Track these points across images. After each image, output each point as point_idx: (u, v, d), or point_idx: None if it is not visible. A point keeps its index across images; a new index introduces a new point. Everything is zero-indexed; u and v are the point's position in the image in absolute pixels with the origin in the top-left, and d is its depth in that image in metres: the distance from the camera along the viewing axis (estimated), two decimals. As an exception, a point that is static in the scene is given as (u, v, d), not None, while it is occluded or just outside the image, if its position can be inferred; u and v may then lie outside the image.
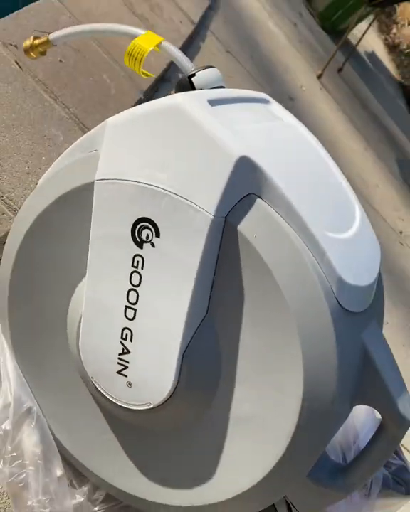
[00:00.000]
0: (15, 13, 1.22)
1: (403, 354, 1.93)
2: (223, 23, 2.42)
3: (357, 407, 0.77)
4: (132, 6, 1.67)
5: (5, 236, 0.81)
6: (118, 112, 0.62)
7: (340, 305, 0.58)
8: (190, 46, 1.96)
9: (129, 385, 0.61)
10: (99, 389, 0.64)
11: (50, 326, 0.68)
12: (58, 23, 1.32)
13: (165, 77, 1.60)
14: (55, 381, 0.70)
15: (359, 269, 0.62)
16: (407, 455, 1.05)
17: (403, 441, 0.90)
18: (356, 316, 0.61)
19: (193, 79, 0.70)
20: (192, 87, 0.70)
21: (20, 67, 1.10)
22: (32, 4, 1.30)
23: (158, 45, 0.74)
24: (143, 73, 0.77)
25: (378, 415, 0.67)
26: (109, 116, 0.63)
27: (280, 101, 0.76)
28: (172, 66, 1.61)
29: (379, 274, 0.69)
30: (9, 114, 1.00)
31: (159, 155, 0.58)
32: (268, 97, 0.74)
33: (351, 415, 0.81)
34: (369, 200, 2.64)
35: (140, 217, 0.58)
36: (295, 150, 0.68)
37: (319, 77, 3.16)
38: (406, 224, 2.92)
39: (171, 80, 1.63)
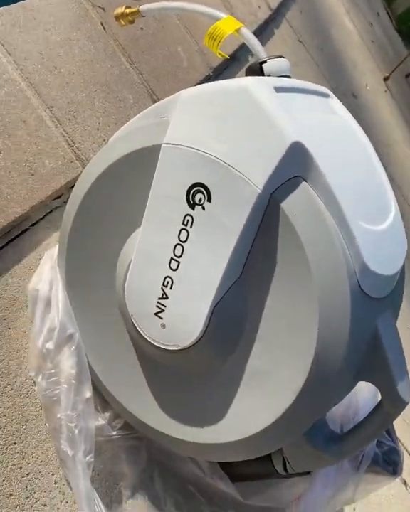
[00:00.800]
0: (106, -22, 1.29)
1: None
2: (299, 12, 2.44)
3: (361, 387, 0.84)
4: (215, -16, 1.72)
5: (72, 182, 0.89)
6: (187, 84, 0.69)
7: (361, 288, 0.64)
8: (264, 31, 2.01)
9: (163, 326, 0.69)
10: (136, 326, 0.71)
11: (101, 265, 0.76)
12: (146, -9, 1.38)
13: (235, 56, 1.65)
14: (98, 315, 0.78)
15: (383, 259, 0.68)
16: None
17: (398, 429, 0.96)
18: (374, 301, 0.66)
19: (263, 65, 0.75)
20: (261, 73, 0.76)
21: (104, 29, 1.17)
22: (124, -29, 1.36)
23: (237, 30, 0.80)
24: (219, 54, 0.83)
25: (379, 397, 0.73)
26: (178, 87, 0.69)
27: (342, 97, 0.81)
28: (243, 47, 1.66)
29: (402, 270, 0.74)
30: (89, 71, 1.07)
31: (223, 129, 0.64)
32: (329, 92, 0.79)
33: (355, 393, 0.88)
34: (412, 204, 2.66)
35: (196, 182, 0.65)
36: (346, 144, 0.74)
37: (385, 79, 3.16)
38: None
39: (241, 60, 1.68)
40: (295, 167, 0.63)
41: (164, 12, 0.84)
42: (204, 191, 0.65)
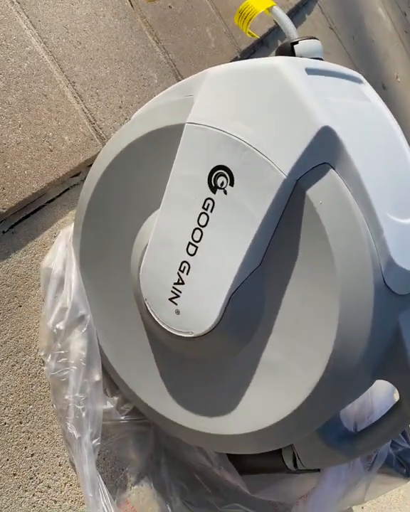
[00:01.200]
0: None
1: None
2: (333, -2, 2.39)
3: (377, 386, 0.81)
4: (248, -35, 1.67)
5: (91, 160, 0.87)
6: (214, 66, 0.66)
7: (385, 283, 0.61)
8: (295, 16, 1.96)
9: (177, 312, 0.67)
10: (150, 311, 0.70)
11: (117, 247, 0.74)
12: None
13: (264, 40, 1.62)
14: (111, 297, 0.76)
15: (410, 254, 0.65)
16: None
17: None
18: (398, 297, 0.63)
19: (295, 46, 0.72)
20: (293, 54, 0.73)
21: (132, 6, 1.14)
22: None
23: (269, 9, 0.77)
24: (249, 33, 0.80)
25: (396, 397, 0.71)
26: (205, 68, 0.67)
27: (373, 87, 0.78)
28: (273, 31, 1.62)
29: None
30: (114, 48, 1.04)
31: (250, 110, 0.61)
32: (362, 78, 0.76)
33: (370, 393, 0.85)
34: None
35: (219, 164, 0.62)
36: (377, 132, 0.71)
37: (416, 69, 3.08)
38: None
39: (270, 44, 1.64)
40: (324, 153, 0.60)
41: (194, -13, 0.81)
42: (227, 174, 0.62)
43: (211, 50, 1.34)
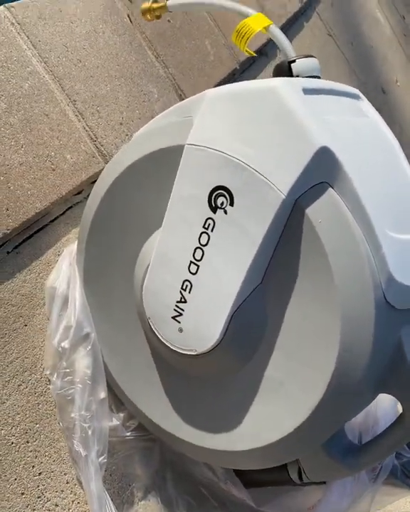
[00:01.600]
0: (134, -31, 1.27)
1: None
2: (330, 5, 2.39)
3: (382, 397, 0.82)
4: (245, -24, 1.68)
5: (94, 177, 0.88)
6: (213, 79, 0.67)
7: (385, 299, 0.62)
8: (293, 24, 1.96)
9: (180, 330, 0.68)
10: (153, 329, 0.70)
11: (120, 265, 0.75)
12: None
13: (263, 51, 1.63)
14: (115, 315, 0.77)
15: (410, 269, 0.66)
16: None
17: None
18: (399, 312, 0.64)
19: (293, 65, 0.73)
20: (290, 72, 0.74)
21: (131, 22, 1.15)
22: (152, -38, 1.34)
23: (266, 28, 0.78)
24: (246, 51, 0.81)
25: (400, 407, 0.71)
26: (204, 81, 0.68)
27: (372, 92, 0.78)
28: (271, 41, 1.63)
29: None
30: (114, 64, 1.06)
31: (249, 132, 0.63)
32: (360, 94, 0.77)
33: (375, 404, 0.86)
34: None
35: (219, 185, 0.63)
36: (375, 149, 0.71)
37: (416, 73, 3.08)
38: None
39: (268, 55, 1.65)
40: (322, 173, 0.61)
41: (191, 8, 0.83)
42: (227, 195, 0.63)
43: (210, 62, 1.35)
